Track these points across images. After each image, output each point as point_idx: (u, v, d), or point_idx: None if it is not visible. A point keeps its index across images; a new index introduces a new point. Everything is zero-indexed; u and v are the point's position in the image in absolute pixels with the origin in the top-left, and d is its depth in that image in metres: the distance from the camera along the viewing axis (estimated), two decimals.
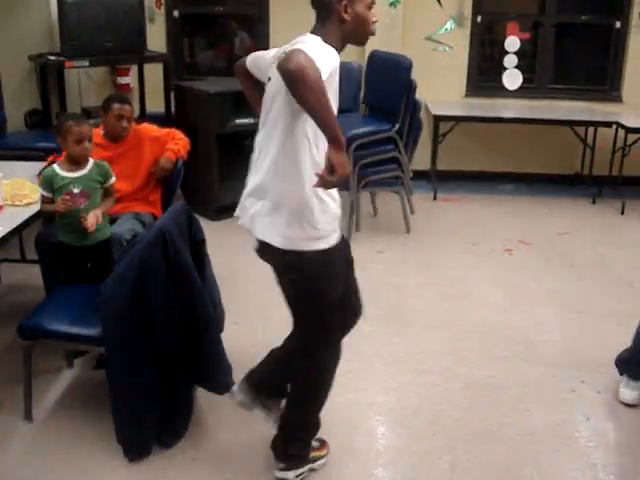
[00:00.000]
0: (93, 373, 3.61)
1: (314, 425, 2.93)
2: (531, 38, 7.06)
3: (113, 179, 3.67)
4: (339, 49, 2.50)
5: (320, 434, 3.02)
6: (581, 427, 3.33)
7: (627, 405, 3.47)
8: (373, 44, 6.19)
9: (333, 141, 2.23)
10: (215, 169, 5.78)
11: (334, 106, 2.37)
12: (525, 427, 3.31)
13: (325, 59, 2.30)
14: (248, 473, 2.99)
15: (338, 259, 2.68)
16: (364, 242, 5.35)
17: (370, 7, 2.52)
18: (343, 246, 2.73)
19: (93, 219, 3.46)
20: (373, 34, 2.57)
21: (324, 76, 2.21)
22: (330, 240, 2.60)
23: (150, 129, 4.29)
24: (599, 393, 3.60)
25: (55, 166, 3.53)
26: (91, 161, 3.57)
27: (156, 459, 3.04)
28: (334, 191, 2.55)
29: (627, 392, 3.48)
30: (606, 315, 4.44)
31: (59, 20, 5.47)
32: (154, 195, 4.25)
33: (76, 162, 3.51)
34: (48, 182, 3.47)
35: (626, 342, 4.03)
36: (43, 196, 3.50)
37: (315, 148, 2.46)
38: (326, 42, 2.45)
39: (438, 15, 6.51)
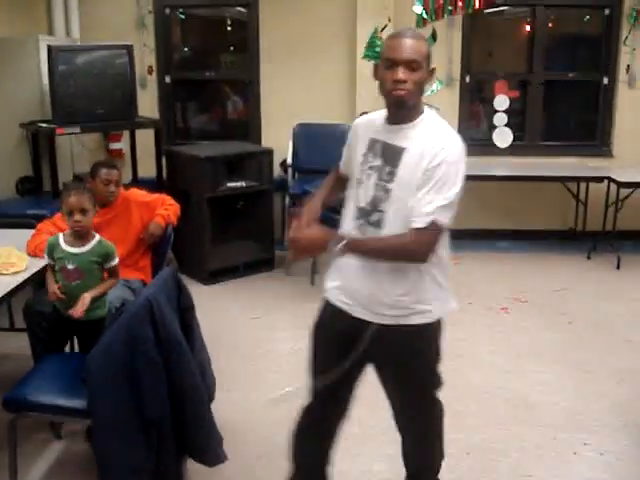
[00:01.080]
0: (82, 446, 3.51)
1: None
2: (520, 96, 7.12)
3: (115, 261, 3.51)
4: (389, 111, 2.44)
5: None
6: None
7: None
8: (363, 106, 6.31)
9: None
10: (207, 233, 5.76)
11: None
12: None
13: None
14: None
15: None
16: None
17: (387, 67, 2.33)
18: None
19: (80, 307, 3.30)
20: (391, 95, 2.34)
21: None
22: None
23: (139, 194, 4.28)
24: (602, 455, 3.50)
25: (61, 236, 3.43)
26: (96, 239, 3.45)
27: None
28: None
29: None
30: (606, 373, 4.36)
31: (50, 88, 5.50)
32: (144, 261, 4.21)
33: (80, 236, 3.40)
34: (50, 250, 3.40)
35: (627, 400, 3.97)
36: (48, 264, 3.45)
37: None
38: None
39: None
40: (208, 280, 5.75)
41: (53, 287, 3.35)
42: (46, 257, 3.43)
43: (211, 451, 3.07)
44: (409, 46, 2.31)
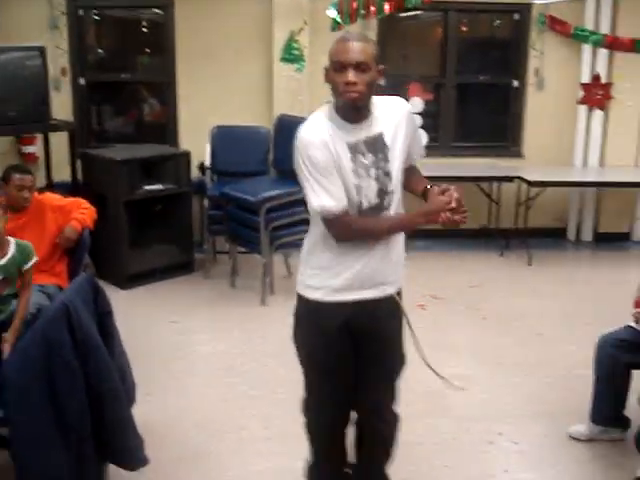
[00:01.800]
0: None
1: None
2: (434, 99, 7.28)
3: (33, 260, 3.46)
4: (347, 110, 2.49)
5: None
6: (500, 479, 3.35)
7: None
8: (281, 108, 6.35)
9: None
10: (124, 236, 5.70)
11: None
12: None
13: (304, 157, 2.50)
14: None
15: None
16: (279, 304, 5.32)
17: (336, 70, 2.42)
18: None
19: (8, 348, 3.18)
20: (344, 97, 2.42)
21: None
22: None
23: (53, 198, 4.21)
24: (516, 444, 3.64)
25: None
26: (13, 244, 3.38)
27: None
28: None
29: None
30: (518, 365, 4.52)
31: None
32: (60, 266, 4.14)
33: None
34: None
35: (538, 391, 4.12)
36: None
37: None
38: (334, 109, 2.53)
39: None
40: (126, 284, 5.69)
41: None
42: None
43: (132, 454, 3.07)
44: (357, 48, 2.40)
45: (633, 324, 3.52)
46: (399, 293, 2.78)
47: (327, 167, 2.46)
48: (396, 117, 2.59)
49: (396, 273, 2.72)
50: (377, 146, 2.54)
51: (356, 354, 2.75)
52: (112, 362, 3.02)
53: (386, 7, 3.50)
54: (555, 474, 3.39)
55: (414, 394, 4.09)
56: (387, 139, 2.56)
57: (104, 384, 2.92)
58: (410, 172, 2.73)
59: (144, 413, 3.41)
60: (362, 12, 3.92)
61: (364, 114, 2.52)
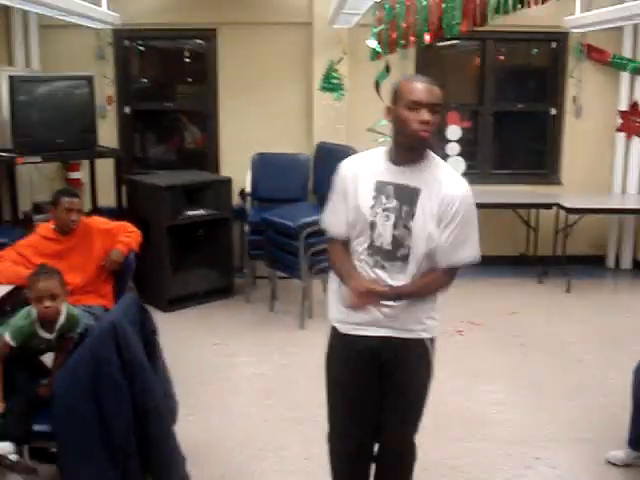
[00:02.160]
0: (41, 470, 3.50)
1: None
2: (472, 126, 7.35)
3: (79, 329, 3.42)
4: (398, 151, 2.59)
5: None
6: None
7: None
8: (320, 136, 6.47)
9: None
10: (167, 260, 5.82)
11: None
12: None
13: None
14: None
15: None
16: (317, 328, 5.37)
17: (411, 108, 2.48)
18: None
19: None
20: (416, 135, 2.49)
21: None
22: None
23: (100, 222, 4.34)
24: (554, 469, 3.64)
25: (34, 320, 3.23)
26: (63, 315, 3.32)
27: None
28: None
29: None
30: (557, 390, 4.51)
31: (11, 117, 5.53)
32: (106, 288, 4.26)
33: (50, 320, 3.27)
34: (24, 336, 3.20)
35: (577, 417, 4.12)
36: (7, 343, 3.17)
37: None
38: (388, 152, 2.63)
39: (380, 108, 6.76)
40: (168, 307, 5.80)
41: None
42: (8, 336, 3.17)
43: (175, 472, 3.14)
44: (431, 90, 2.49)
45: None
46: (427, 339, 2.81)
47: (339, 194, 2.66)
48: (443, 191, 2.54)
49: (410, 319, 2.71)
50: (406, 197, 2.55)
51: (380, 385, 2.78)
52: (157, 381, 3.11)
53: (427, 37, 3.59)
54: None
55: (453, 419, 4.13)
56: (421, 199, 2.54)
57: (149, 402, 2.99)
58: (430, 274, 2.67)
59: (186, 432, 3.48)
60: (402, 42, 4.01)
61: (416, 159, 2.57)
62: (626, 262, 7.25)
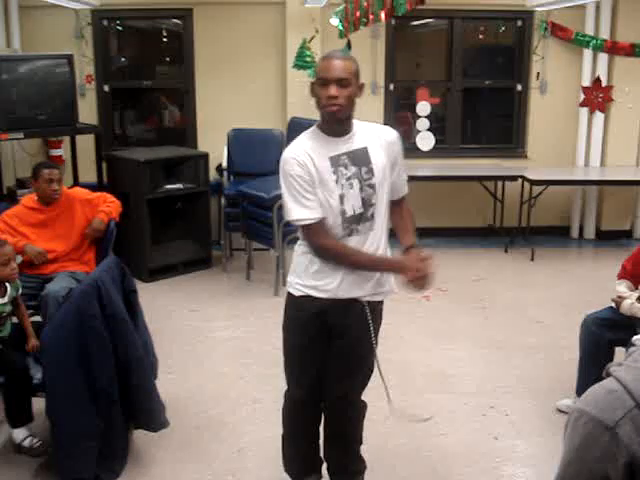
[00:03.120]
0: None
1: None
2: (441, 103, 7.60)
3: (21, 288, 3.67)
4: (330, 125, 2.72)
5: None
6: (490, 445, 3.65)
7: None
8: (293, 112, 6.70)
9: None
10: (147, 233, 6.05)
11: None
12: (440, 449, 3.61)
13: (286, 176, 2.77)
14: None
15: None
16: None
17: (321, 84, 2.63)
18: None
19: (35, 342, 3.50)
20: (325, 109, 2.64)
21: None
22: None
23: (81, 192, 4.58)
24: (507, 415, 3.93)
25: None
26: (8, 285, 3.56)
27: None
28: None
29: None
30: (515, 349, 4.81)
31: None
32: (88, 255, 4.50)
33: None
34: None
35: (533, 371, 4.42)
36: None
37: None
38: (319, 125, 2.77)
39: None
40: (148, 278, 6.04)
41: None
42: None
43: (155, 417, 3.41)
44: (339, 66, 2.62)
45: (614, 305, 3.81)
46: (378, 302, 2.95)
47: (304, 183, 2.68)
48: (383, 139, 2.78)
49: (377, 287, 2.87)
50: (360, 159, 2.72)
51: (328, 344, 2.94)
52: (138, 335, 3.37)
53: (382, 15, 3.81)
54: (541, 441, 3.67)
55: (416, 373, 4.42)
56: (371, 154, 2.74)
57: (130, 354, 3.26)
58: (398, 212, 2.93)
59: (166, 388, 3.75)
60: (364, 20, 4.24)
61: (346, 128, 2.73)
62: (589, 232, 7.57)
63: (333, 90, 2.60)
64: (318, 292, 2.84)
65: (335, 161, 2.71)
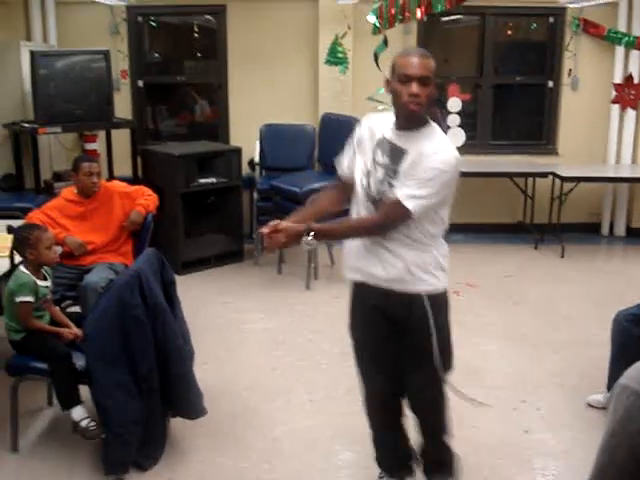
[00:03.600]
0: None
1: None
2: (472, 99, 7.62)
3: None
4: (397, 119, 2.75)
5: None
6: (521, 439, 3.69)
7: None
8: (325, 108, 6.75)
9: None
10: (180, 226, 6.15)
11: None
12: (472, 441, 3.65)
13: None
14: None
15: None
16: (322, 288, 5.74)
17: (402, 81, 2.62)
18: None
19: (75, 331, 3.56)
20: (408, 108, 2.64)
21: None
22: None
23: (120, 185, 4.68)
24: (538, 410, 3.97)
25: (29, 274, 3.49)
26: (46, 268, 3.66)
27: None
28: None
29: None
30: (545, 344, 4.84)
31: (33, 90, 5.86)
32: (126, 247, 4.59)
33: (40, 269, 3.59)
34: (33, 290, 3.47)
35: (563, 366, 4.45)
36: (27, 303, 3.44)
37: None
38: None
39: (381, 79, 7.02)
40: (181, 270, 6.14)
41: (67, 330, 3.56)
42: (26, 297, 3.43)
43: (194, 406, 3.49)
44: (422, 64, 2.62)
45: None
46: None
47: (355, 142, 2.86)
48: (432, 160, 2.62)
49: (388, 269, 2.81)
50: (395, 156, 2.71)
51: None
52: (177, 324, 3.45)
53: (418, 13, 3.86)
54: (571, 435, 3.71)
55: None
56: (407, 160, 2.68)
57: (170, 343, 3.34)
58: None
59: (201, 378, 3.80)
60: (400, 17, 4.28)
61: (411, 127, 2.71)
62: (620, 229, 7.55)
63: (416, 88, 2.60)
64: None
65: (380, 142, 2.77)
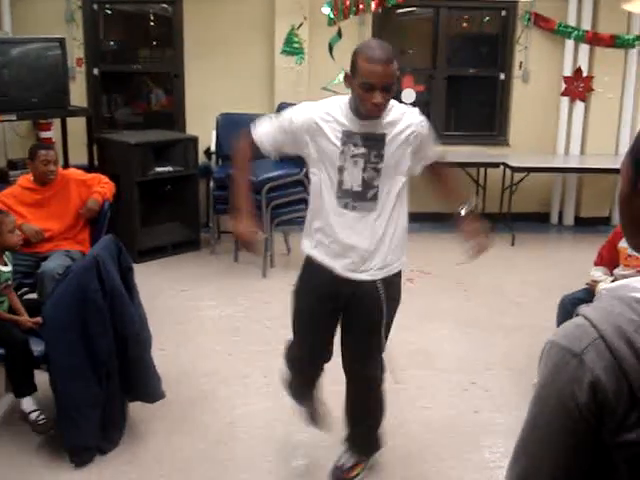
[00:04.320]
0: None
1: None
2: (426, 90, 7.75)
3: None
4: (356, 112, 2.77)
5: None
6: (471, 418, 3.83)
7: None
8: (281, 98, 6.81)
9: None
10: (136, 214, 6.16)
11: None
12: (423, 422, 3.78)
13: (289, 110, 2.90)
14: (176, 471, 3.36)
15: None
16: (279, 276, 5.81)
17: (365, 89, 2.63)
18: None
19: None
20: (368, 114, 2.71)
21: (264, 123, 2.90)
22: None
23: (76, 173, 4.70)
24: (487, 391, 4.11)
25: None
26: (6, 252, 3.71)
27: (95, 464, 3.37)
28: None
29: None
30: (495, 329, 4.99)
31: None
32: (83, 234, 4.62)
33: (1, 254, 3.65)
34: None
35: (512, 350, 4.60)
36: None
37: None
38: (350, 103, 2.81)
39: (336, 70, 7.11)
40: (138, 259, 6.12)
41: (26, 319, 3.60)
42: None
43: (151, 389, 3.55)
44: (385, 72, 2.62)
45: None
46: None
47: (287, 126, 2.86)
48: (406, 128, 2.80)
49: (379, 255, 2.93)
50: (374, 143, 2.78)
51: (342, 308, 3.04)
52: (135, 310, 3.50)
53: (372, 5, 3.94)
54: (519, 415, 3.76)
55: (399, 352, 4.55)
56: (387, 142, 2.77)
57: (128, 328, 3.39)
58: (438, 172, 3.10)
59: (159, 364, 3.84)
60: (354, 9, 4.37)
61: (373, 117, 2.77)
62: (568, 219, 7.75)
63: (379, 98, 2.63)
64: None
65: (347, 136, 2.79)
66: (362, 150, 2.80)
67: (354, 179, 2.82)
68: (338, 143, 2.81)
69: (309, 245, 3.03)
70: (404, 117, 2.83)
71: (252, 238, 2.90)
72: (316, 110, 2.85)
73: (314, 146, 2.86)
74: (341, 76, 6.06)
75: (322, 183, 2.89)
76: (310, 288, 3.08)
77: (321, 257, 2.97)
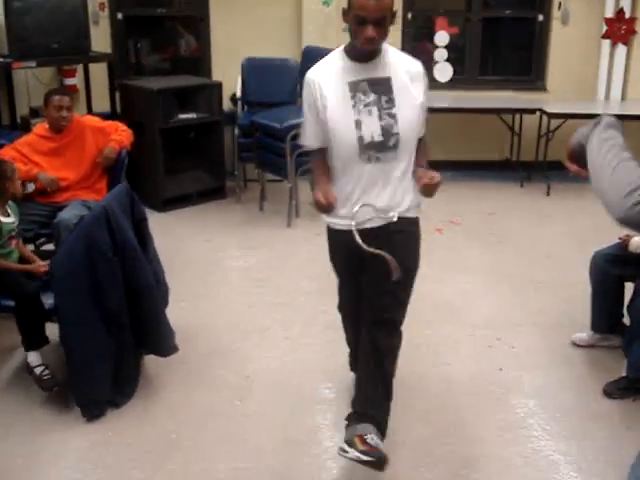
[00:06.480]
0: (45, 347, 3.80)
1: None
2: (460, 32, 7.45)
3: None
4: (357, 50, 2.70)
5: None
6: (494, 376, 3.69)
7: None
8: (309, 41, 6.59)
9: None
10: (160, 162, 6.05)
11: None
12: (445, 378, 3.67)
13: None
14: (189, 425, 3.29)
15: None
16: (304, 226, 5.69)
17: (358, 23, 2.59)
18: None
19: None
20: (362, 48, 2.66)
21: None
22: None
23: (93, 120, 4.59)
24: (512, 348, 3.97)
25: None
26: (10, 203, 3.63)
27: (108, 417, 3.32)
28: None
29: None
30: (527, 284, 4.80)
31: (6, 23, 5.68)
32: (100, 184, 4.52)
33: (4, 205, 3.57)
34: None
35: (541, 305, 4.43)
36: None
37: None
38: (346, 48, 2.75)
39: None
40: (162, 208, 6.06)
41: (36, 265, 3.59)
42: None
43: (164, 343, 3.48)
44: (377, 6, 2.56)
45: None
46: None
47: (312, 106, 2.76)
48: (410, 72, 2.76)
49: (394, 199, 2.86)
50: (381, 88, 2.72)
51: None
52: (147, 263, 3.40)
53: None
54: (545, 373, 3.71)
55: (425, 304, 4.42)
56: (394, 85, 2.73)
57: (140, 281, 3.31)
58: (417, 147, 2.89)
59: (178, 317, 3.81)
60: None
61: (372, 55, 2.72)
62: None
63: (371, 32, 2.59)
64: None
65: (354, 86, 2.73)
66: (372, 97, 2.73)
67: (374, 130, 2.74)
68: (348, 95, 2.73)
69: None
70: (402, 60, 2.79)
71: (329, 202, 2.71)
72: (314, 72, 2.79)
73: (325, 109, 2.75)
74: None
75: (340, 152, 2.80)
76: (337, 245, 3.08)
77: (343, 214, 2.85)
